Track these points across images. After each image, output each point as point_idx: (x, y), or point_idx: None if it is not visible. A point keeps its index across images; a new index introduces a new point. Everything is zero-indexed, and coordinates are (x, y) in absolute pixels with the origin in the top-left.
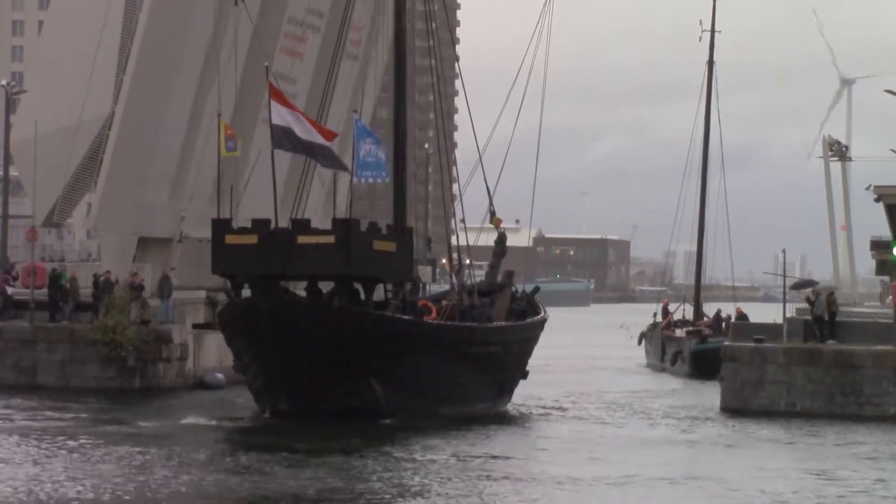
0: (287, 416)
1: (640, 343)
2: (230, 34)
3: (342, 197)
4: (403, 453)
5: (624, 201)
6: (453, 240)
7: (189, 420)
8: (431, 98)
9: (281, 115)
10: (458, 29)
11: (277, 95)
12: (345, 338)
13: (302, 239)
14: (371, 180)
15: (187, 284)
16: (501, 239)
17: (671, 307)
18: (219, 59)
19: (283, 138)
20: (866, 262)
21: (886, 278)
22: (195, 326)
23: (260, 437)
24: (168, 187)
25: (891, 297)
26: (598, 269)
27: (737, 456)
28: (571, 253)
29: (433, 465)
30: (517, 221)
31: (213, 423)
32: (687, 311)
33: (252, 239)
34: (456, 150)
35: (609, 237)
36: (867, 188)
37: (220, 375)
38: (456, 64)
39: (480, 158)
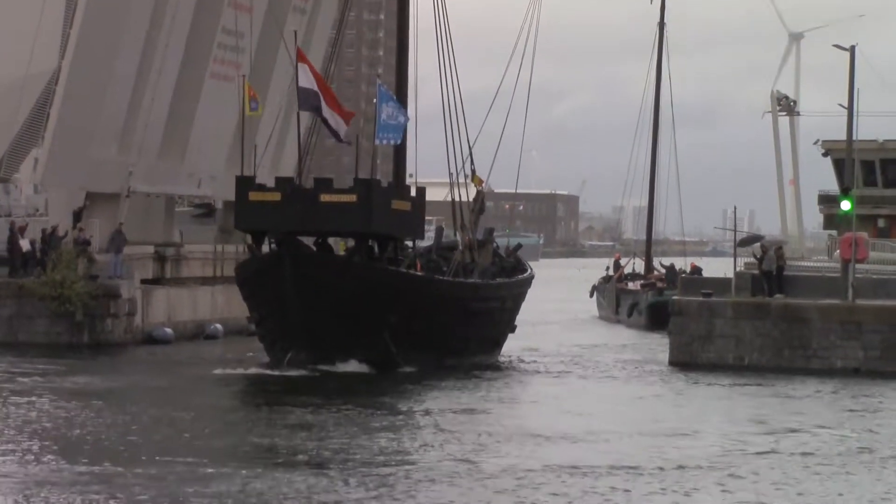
0: (303, 366)
1: (591, 296)
2: None
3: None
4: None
5: (577, 157)
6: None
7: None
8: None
9: (307, 79)
10: None
11: (305, 60)
12: (364, 292)
13: (324, 197)
14: (391, 142)
15: (135, 239)
16: (480, 196)
17: (622, 261)
18: (165, 15)
19: (307, 101)
20: (814, 217)
21: (834, 232)
22: (143, 282)
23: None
24: (116, 142)
25: (838, 251)
26: (548, 224)
27: (687, 408)
28: (521, 208)
29: (436, 420)
30: (466, 177)
31: (230, 372)
32: (637, 265)
33: (275, 196)
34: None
35: (558, 192)
36: (815, 143)
37: (168, 330)
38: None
39: (461, 111)
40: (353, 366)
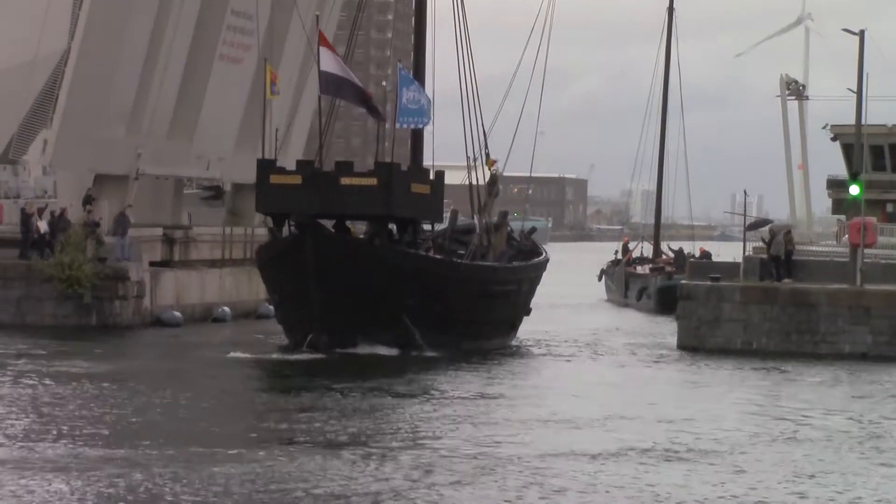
0: (324, 349)
1: (600, 279)
2: None
3: (299, 138)
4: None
5: (586, 141)
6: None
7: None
8: (389, 36)
9: (328, 62)
10: None
11: (326, 44)
12: (386, 275)
13: (345, 180)
14: (413, 126)
15: (144, 222)
16: (494, 180)
17: (630, 245)
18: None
19: (329, 84)
20: (823, 202)
21: (842, 217)
22: (152, 264)
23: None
24: (124, 124)
25: (846, 236)
26: (556, 207)
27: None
28: (530, 192)
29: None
30: (474, 160)
31: (248, 356)
32: (645, 249)
33: (296, 179)
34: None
35: (566, 176)
36: (824, 127)
37: (177, 313)
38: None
39: (477, 97)
40: (373, 348)
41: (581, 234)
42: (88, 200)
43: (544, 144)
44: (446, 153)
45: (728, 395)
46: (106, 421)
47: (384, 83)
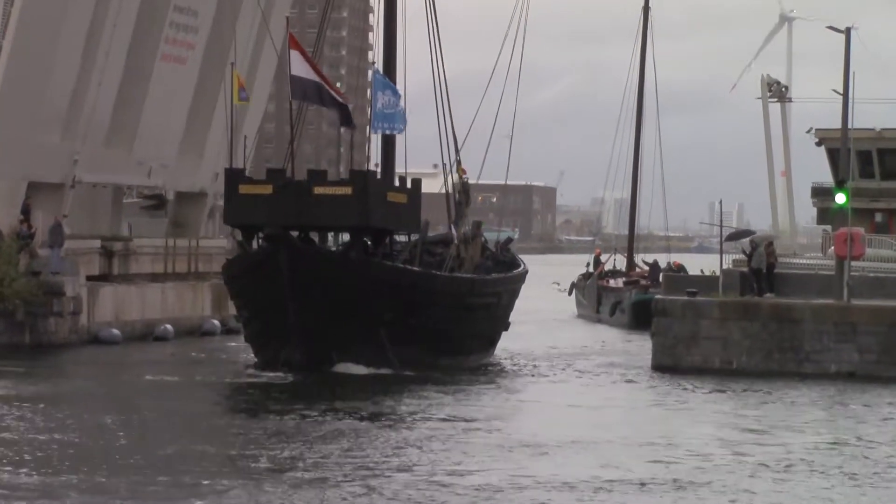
0: (297, 367)
1: (570, 293)
2: None
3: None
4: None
5: (554, 146)
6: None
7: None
8: (344, 34)
9: (299, 67)
10: None
11: (298, 47)
12: (362, 288)
13: (318, 189)
14: (388, 132)
15: (81, 233)
16: (467, 188)
17: (602, 257)
18: None
19: (299, 90)
20: (807, 211)
21: (828, 227)
22: (89, 278)
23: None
24: (60, 128)
25: (832, 247)
26: (523, 217)
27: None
28: (494, 200)
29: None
30: (434, 166)
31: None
32: (618, 261)
33: (267, 189)
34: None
35: (534, 184)
36: (808, 131)
37: (115, 331)
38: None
39: (447, 99)
40: (347, 367)
41: (549, 245)
42: (26, 210)
43: (506, 150)
44: (413, 159)
45: (705, 419)
46: (35, 446)
47: (338, 84)
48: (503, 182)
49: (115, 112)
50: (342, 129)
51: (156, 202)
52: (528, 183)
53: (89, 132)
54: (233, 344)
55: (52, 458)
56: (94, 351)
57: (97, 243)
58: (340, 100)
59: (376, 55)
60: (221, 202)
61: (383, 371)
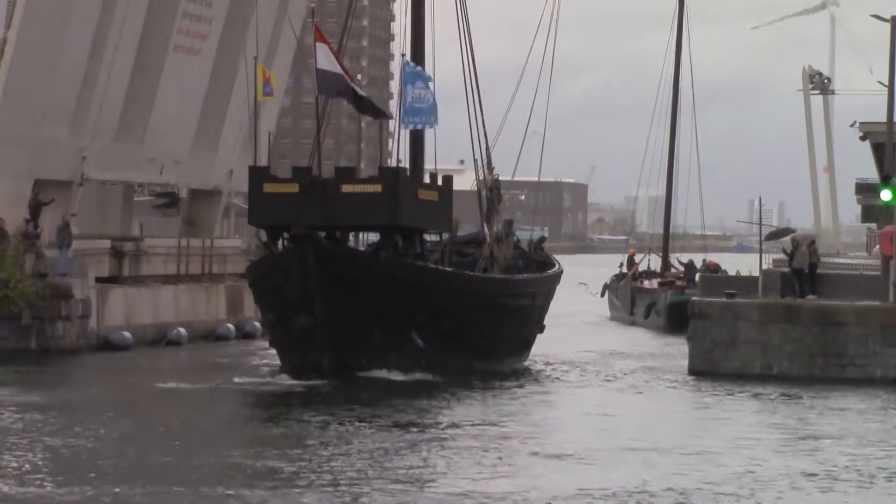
0: (325, 373)
1: (602, 295)
2: None
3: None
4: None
5: (586, 142)
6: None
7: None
8: (365, 23)
9: (325, 60)
10: None
11: (323, 39)
12: (393, 290)
13: (347, 188)
14: (420, 126)
15: (89, 233)
16: (498, 185)
17: (636, 257)
18: None
19: (325, 84)
20: (851, 209)
21: (873, 225)
22: (99, 280)
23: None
24: (67, 123)
25: (877, 246)
26: (552, 216)
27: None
28: (522, 198)
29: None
30: (461, 162)
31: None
32: (653, 262)
33: (293, 188)
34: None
35: (564, 180)
36: (852, 125)
37: (126, 334)
38: None
39: (478, 92)
40: (377, 373)
41: (580, 245)
42: (36, 206)
43: (539, 145)
44: (440, 155)
45: (745, 427)
46: (42, 457)
47: (359, 76)
48: (532, 179)
49: (126, 106)
50: (363, 125)
51: (168, 200)
52: (559, 180)
53: (98, 127)
54: (251, 348)
55: (60, 469)
56: (104, 356)
57: (107, 243)
58: (364, 94)
59: (398, 46)
60: (237, 200)
61: (415, 376)
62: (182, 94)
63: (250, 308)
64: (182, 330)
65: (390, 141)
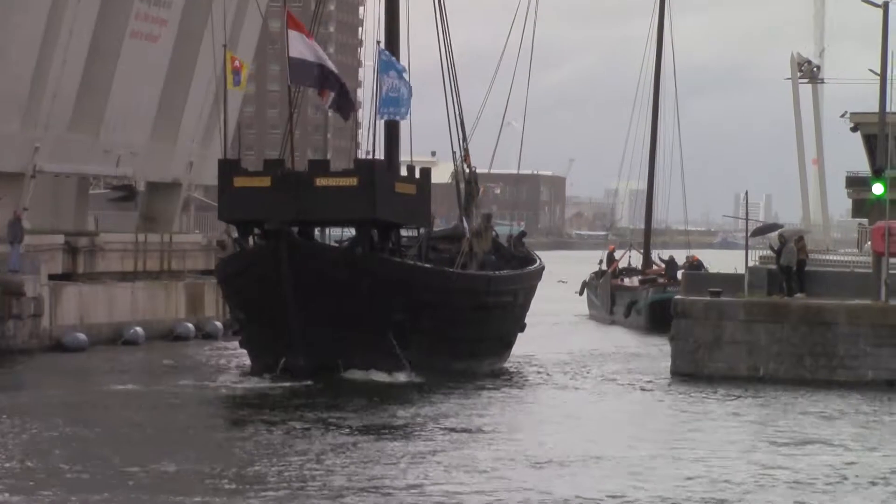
0: (300, 373)
1: (581, 293)
2: None
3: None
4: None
5: (564, 133)
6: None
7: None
8: (332, 8)
9: (298, 48)
10: None
11: (297, 26)
12: (370, 287)
13: (321, 181)
14: (392, 117)
15: (42, 228)
16: (475, 178)
17: (616, 254)
18: None
19: (299, 73)
20: (841, 203)
21: (864, 221)
22: (52, 277)
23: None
24: (19, 114)
25: (868, 242)
26: (529, 209)
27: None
28: (497, 191)
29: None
30: (433, 154)
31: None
32: (634, 258)
33: (265, 181)
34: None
35: (542, 173)
36: (842, 115)
37: (81, 335)
38: None
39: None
40: (353, 373)
41: (558, 240)
42: None
43: (513, 136)
44: (414, 146)
45: (729, 432)
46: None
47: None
48: (508, 171)
49: (80, 95)
50: (329, 114)
51: (125, 193)
52: (536, 172)
53: (51, 117)
54: (212, 349)
55: (9, 475)
56: (56, 357)
57: (60, 239)
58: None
59: (368, 32)
60: (197, 194)
61: (392, 377)
62: (140, 83)
63: (211, 307)
64: (139, 329)
65: (359, 132)
